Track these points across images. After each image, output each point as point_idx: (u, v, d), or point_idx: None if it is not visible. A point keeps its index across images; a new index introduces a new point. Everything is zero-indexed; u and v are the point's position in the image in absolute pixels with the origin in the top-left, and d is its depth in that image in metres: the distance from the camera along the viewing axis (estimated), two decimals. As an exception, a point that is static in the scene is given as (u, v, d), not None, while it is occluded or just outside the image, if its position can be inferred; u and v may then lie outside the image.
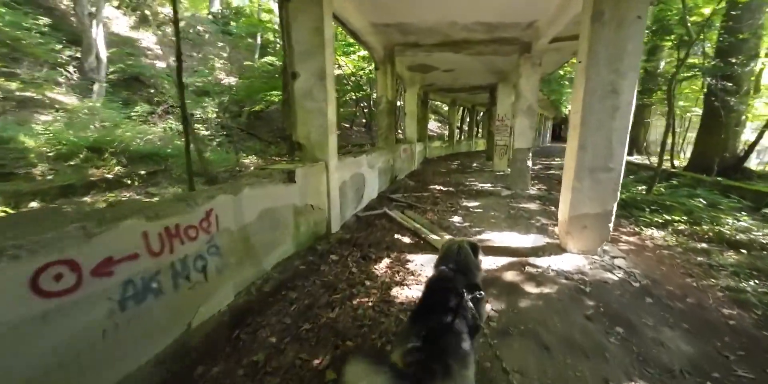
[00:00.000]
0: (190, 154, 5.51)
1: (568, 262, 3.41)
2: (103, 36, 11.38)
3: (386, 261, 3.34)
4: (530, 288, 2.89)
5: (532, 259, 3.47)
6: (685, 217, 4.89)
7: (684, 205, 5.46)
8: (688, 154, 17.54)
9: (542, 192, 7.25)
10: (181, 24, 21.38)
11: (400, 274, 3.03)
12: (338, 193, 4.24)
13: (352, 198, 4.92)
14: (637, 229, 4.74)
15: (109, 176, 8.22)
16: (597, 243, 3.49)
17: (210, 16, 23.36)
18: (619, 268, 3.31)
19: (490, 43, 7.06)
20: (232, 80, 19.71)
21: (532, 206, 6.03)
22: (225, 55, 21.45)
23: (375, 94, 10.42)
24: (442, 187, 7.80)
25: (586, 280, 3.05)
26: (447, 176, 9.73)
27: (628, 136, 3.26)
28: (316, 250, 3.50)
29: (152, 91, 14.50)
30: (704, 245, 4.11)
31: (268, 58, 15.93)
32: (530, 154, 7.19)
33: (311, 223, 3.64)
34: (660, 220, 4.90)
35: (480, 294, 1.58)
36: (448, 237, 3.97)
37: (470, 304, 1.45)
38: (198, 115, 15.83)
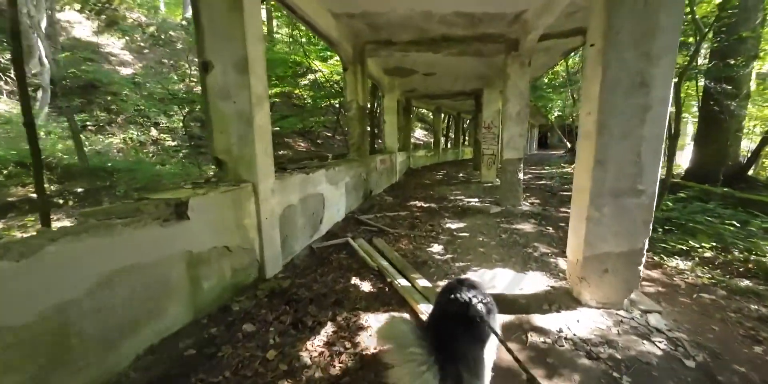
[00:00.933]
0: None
1: (587, 322, 2.42)
2: (44, 38, 10.20)
3: (328, 329, 2.29)
4: (539, 376, 1.89)
5: (536, 318, 2.48)
6: (713, 243, 4.00)
7: (702, 223, 4.60)
8: (679, 162, 17.13)
9: (536, 207, 6.33)
10: (152, 29, 20.26)
11: (343, 358, 1.99)
12: (277, 224, 3.19)
13: (304, 225, 3.88)
14: (657, 259, 3.81)
15: (35, 196, 6.98)
16: (623, 293, 2.52)
17: (184, 22, 22.29)
18: (658, 331, 2.33)
19: (473, 41, 6.20)
20: (205, 88, 18.62)
21: (527, 227, 5.08)
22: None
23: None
24: (423, 204, 6.81)
25: (617, 357, 2.06)
26: (430, 189, 8.77)
27: (662, 147, 2.34)
28: (229, 313, 2.43)
29: (109, 98, 13.26)
30: (748, 283, 3.19)
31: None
32: (521, 166, 6.29)
33: (226, 272, 2.57)
34: (682, 246, 4.00)
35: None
36: (422, 282, 2.96)
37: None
38: (164, 124, 14.64)
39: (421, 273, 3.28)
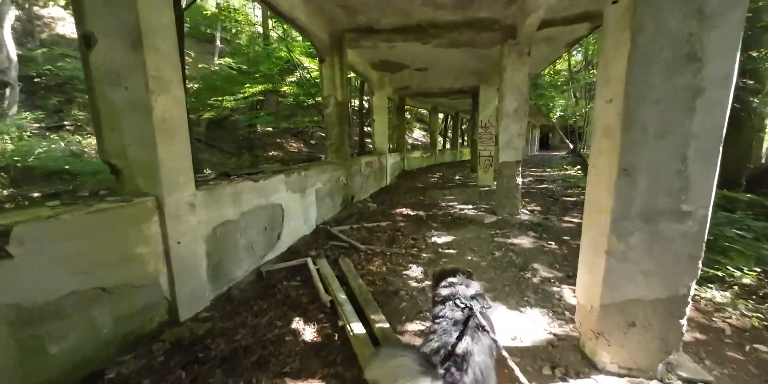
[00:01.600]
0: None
1: (606, 400, 1.70)
2: (10, 33, 9.54)
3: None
4: None
5: (532, 391, 1.75)
6: (754, 267, 3.25)
7: (734, 239, 3.85)
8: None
9: (536, 216, 5.59)
10: (140, 27, 19.57)
11: None
12: (201, 248, 2.47)
13: (249, 245, 3.16)
14: (685, 287, 3.07)
15: (-18, 201, 6.31)
16: (657, 356, 1.78)
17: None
18: (713, 417, 1.61)
19: (464, 29, 5.48)
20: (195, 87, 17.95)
21: (525, 242, 4.34)
22: (190, 60, 19.60)
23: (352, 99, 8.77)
24: (410, 211, 6.08)
25: None
26: (421, 194, 8.04)
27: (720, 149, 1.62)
28: (97, 385, 1.72)
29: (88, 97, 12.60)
30: (811, 325, 2.45)
31: (224, 60, 14.19)
32: (520, 169, 5.56)
33: (102, 323, 1.85)
34: (716, 271, 3.25)
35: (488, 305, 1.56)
36: (382, 325, 2.24)
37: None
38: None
39: (388, 308, 2.56)
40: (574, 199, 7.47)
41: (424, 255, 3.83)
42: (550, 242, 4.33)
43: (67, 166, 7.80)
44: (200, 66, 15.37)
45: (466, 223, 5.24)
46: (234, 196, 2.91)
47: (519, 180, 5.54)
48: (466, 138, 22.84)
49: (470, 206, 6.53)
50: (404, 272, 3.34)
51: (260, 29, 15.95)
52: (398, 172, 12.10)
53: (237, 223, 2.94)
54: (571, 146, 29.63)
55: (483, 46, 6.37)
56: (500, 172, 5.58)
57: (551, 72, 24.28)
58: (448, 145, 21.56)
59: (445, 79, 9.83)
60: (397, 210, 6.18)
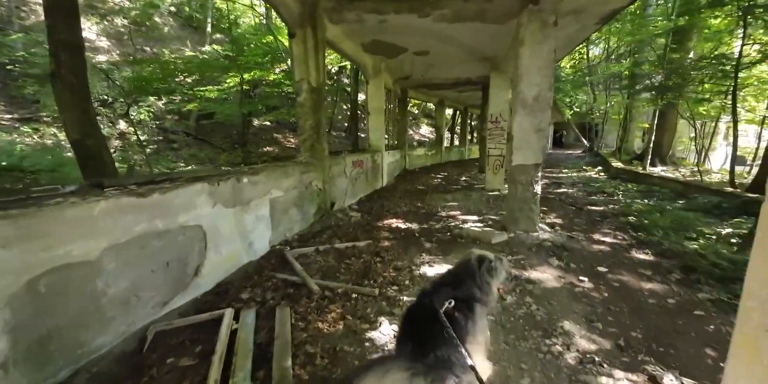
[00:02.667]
0: None
1: None
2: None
3: None
4: None
5: None
6: None
7: None
8: (713, 166, 14.81)
9: (558, 234, 4.39)
10: (133, 13, 18.68)
11: None
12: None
13: (128, 295, 2.05)
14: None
15: None
16: None
17: (172, 8, 20.69)
18: None
19: (471, -5, 4.27)
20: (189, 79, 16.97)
21: (548, 277, 3.16)
22: (187, 50, 18.57)
23: (362, 96, 7.63)
24: (400, 224, 4.94)
25: None
26: (419, 199, 6.87)
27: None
28: None
29: (63, 86, 11.70)
30: None
31: (212, 47, 13.09)
32: (539, 175, 4.35)
33: None
34: None
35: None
36: None
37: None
38: (135, 116, 13.04)
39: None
40: (601, 208, 6.21)
41: (405, 298, 2.70)
42: (581, 278, 3.15)
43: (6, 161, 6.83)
44: (189, 53, 14.34)
45: (468, 243, 4.08)
46: (88, 222, 1.81)
47: (537, 188, 4.34)
48: (474, 135, 21.48)
49: (475, 217, 5.35)
50: (369, 335, 2.21)
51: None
52: (398, 171, 10.94)
53: (95, 264, 1.85)
54: (587, 144, 28.00)
55: (495, 20, 5.13)
56: (513, 178, 4.39)
57: (567, 66, 22.65)
58: (455, 142, 20.26)
59: (451, 67, 8.58)
60: (386, 222, 5.04)
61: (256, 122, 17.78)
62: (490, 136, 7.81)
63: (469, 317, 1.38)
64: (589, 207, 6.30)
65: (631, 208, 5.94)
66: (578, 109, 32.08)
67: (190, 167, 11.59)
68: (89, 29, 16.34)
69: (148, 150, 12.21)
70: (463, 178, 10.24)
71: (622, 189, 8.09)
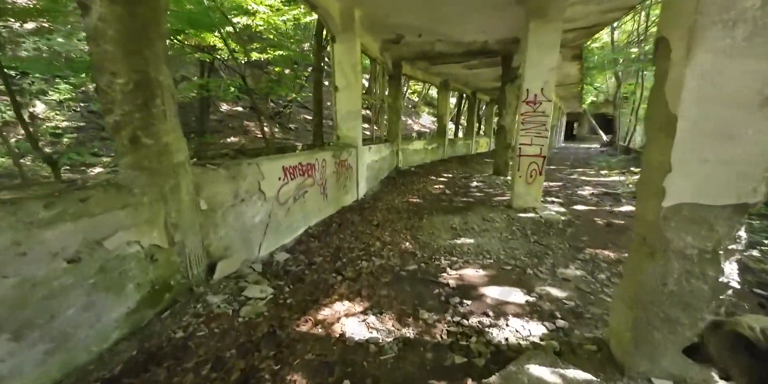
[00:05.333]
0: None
1: None
2: None
3: None
4: None
5: None
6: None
7: None
8: None
9: None
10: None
11: None
12: None
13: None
14: None
15: None
16: None
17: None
18: None
19: None
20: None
21: None
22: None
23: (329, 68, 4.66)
24: (356, 325, 2.15)
25: None
26: (409, 228, 4.05)
27: None
28: None
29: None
30: None
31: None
32: (741, 235, 1.54)
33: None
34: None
35: None
36: None
37: None
38: (50, 97, 10.11)
39: None
40: None
41: None
42: None
43: None
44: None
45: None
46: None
47: (733, 274, 1.51)
48: (482, 125, 18.50)
49: (519, 293, 2.51)
50: None
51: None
52: (387, 172, 8.08)
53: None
54: (605, 138, 24.93)
55: None
56: (658, 236, 1.56)
57: (593, 48, 19.37)
58: (460, 134, 17.30)
59: (463, 21, 5.63)
60: (324, 312, 2.23)
61: (224, 107, 14.86)
62: (524, 126, 4.92)
63: None
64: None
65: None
66: (595, 99, 28.91)
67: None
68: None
69: (65, 139, 9.36)
70: (474, 184, 7.38)
71: None
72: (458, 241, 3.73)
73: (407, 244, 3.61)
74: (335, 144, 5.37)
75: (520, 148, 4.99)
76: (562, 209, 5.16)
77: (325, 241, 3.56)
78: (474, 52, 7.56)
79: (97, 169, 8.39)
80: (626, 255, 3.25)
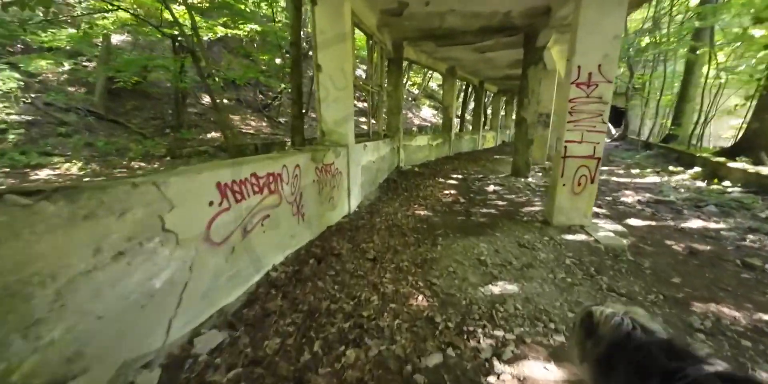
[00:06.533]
0: None
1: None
2: None
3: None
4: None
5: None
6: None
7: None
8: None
9: None
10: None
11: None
12: None
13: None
14: None
15: None
16: None
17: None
18: None
19: None
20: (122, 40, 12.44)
21: None
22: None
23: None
24: None
25: None
26: (415, 275, 2.76)
27: None
28: None
29: None
30: None
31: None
32: None
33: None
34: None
35: None
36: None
37: None
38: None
39: None
40: None
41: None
42: None
43: None
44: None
45: None
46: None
47: None
48: (489, 117, 17.14)
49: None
50: None
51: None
52: (386, 174, 6.79)
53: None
54: (615, 132, 23.61)
55: None
56: None
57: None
58: (464, 128, 15.95)
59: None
60: None
61: (206, 99, 13.43)
62: (572, 117, 3.61)
63: None
64: None
65: None
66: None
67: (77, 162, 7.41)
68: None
69: (11, 136, 7.99)
70: (492, 188, 6.10)
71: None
72: (495, 289, 2.47)
73: (419, 297, 2.35)
74: (318, 143, 4.07)
75: (565, 147, 3.69)
76: (617, 226, 3.90)
77: (293, 296, 2.29)
78: (492, 28, 6.22)
79: (44, 172, 7.06)
80: (760, 315, 2.04)
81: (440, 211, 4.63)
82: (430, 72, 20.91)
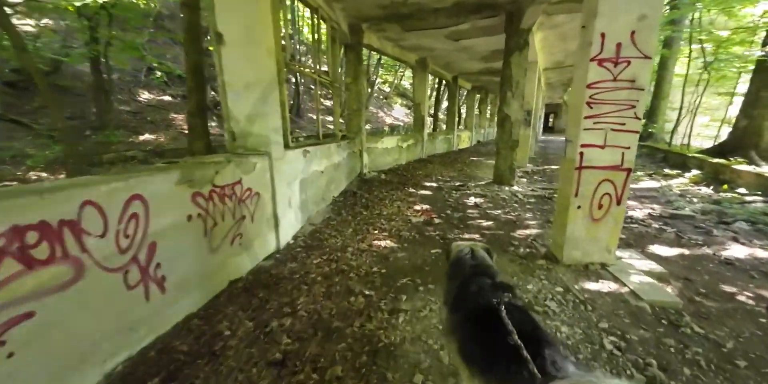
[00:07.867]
0: None
1: None
2: None
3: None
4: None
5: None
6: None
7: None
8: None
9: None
10: None
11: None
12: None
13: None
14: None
15: None
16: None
17: None
18: None
19: None
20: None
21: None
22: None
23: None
24: None
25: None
26: None
27: None
28: None
29: None
30: None
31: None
32: None
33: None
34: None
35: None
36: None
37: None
38: None
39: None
40: None
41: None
42: None
43: None
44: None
45: None
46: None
47: None
48: (462, 116, 16.18)
49: None
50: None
51: None
52: (346, 185, 5.47)
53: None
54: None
55: None
56: None
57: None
58: (437, 128, 14.89)
59: None
60: None
61: (144, 96, 11.53)
62: (591, 110, 2.45)
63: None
64: None
65: None
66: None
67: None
68: None
69: None
70: (472, 201, 4.94)
71: None
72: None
73: None
74: (217, 154, 2.71)
75: (581, 154, 2.53)
76: (649, 262, 2.79)
77: None
78: (468, 5, 5.04)
79: None
80: None
81: (408, 239, 3.38)
82: (402, 68, 19.70)
